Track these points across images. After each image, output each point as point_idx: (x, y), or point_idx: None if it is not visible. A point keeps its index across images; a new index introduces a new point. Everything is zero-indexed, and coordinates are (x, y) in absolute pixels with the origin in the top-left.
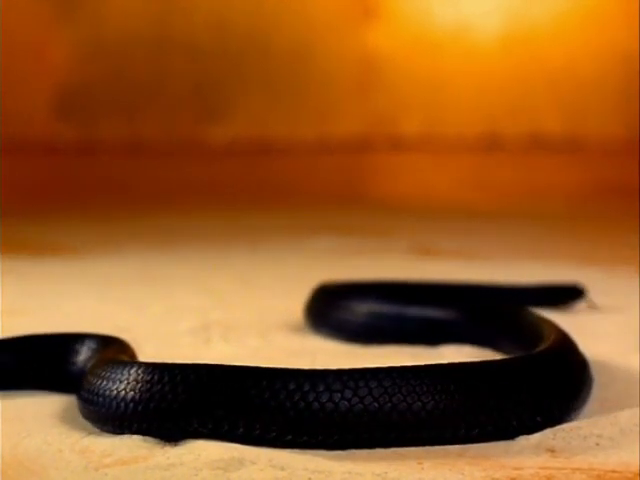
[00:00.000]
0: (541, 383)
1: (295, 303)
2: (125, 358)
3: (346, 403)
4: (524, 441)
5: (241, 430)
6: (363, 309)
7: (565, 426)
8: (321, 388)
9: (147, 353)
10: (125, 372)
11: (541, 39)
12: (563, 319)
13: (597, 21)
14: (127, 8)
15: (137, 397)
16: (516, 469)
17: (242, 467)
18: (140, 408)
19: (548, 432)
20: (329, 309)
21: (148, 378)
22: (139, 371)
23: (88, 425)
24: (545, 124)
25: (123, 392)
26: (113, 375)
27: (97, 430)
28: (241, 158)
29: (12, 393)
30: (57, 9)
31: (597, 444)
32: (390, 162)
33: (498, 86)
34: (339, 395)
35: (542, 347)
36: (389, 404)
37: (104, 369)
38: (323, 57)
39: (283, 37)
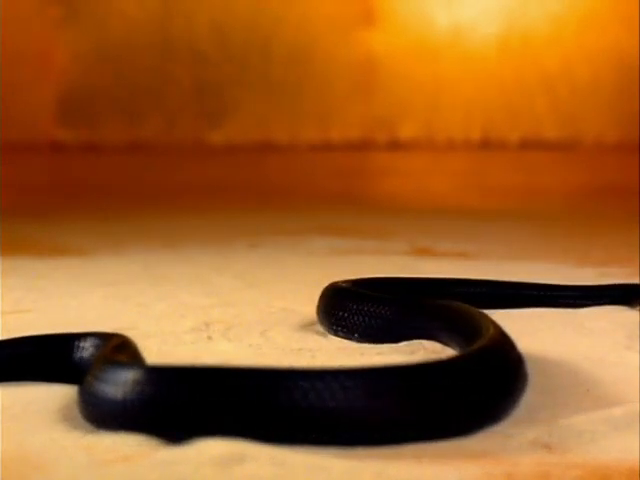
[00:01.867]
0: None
1: (295, 302)
2: (121, 358)
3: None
4: (520, 437)
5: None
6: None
7: (560, 422)
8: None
9: (150, 351)
10: (114, 374)
11: (537, 43)
12: (560, 317)
13: (592, 25)
14: (129, 14)
15: (120, 398)
16: (513, 465)
17: (243, 463)
18: (123, 408)
19: (544, 428)
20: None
21: (128, 380)
22: (122, 373)
23: None
24: (542, 126)
25: (110, 393)
26: (104, 376)
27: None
28: (242, 160)
29: (17, 391)
30: (61, 15)
31: (592, 440)
32: (389, 164)
33: (495, 89)
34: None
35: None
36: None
37: (98, 370)
38: (323, 61)
39: (283, 41)
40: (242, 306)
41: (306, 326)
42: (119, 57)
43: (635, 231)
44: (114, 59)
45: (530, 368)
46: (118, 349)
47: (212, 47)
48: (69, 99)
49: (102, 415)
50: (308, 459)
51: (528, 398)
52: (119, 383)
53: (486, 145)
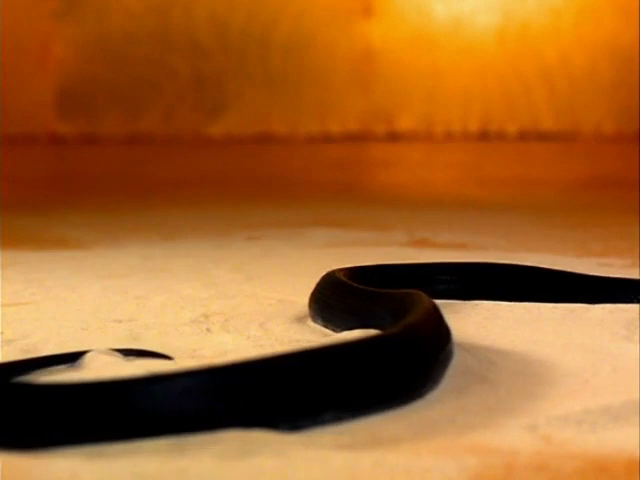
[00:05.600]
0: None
1: (294, 294)
2: None
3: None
4: (519, 428)
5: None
6: None
7: (559, 413)
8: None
9: (150, 343)
10: None
11: (536, 34)
12: (558, 308)
13: (590, 17)
14: (128, 5)
15: None
16: (511, 456)
17: (244, 455)
18: None
19: (542, 419)
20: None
21: None
22: None
23: None
24: (540, 117)
25: None
26: None
27: None
28: (240, 152)
29: None
30: (60, 7)
31: (591, 431)
32: (387, 155)
33: (493, 80)
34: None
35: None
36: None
37: None
38: (322, 52)
39: (282, 33)
40: (241, 298)
41: (305, 317)
42: (118, 49)
43: (634, 222)
44: (113, 51)
45: (529, 359)
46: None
47: (211, 39)
48: (68, 91)
49: None
50: (308, 451)
51: (526, 389)
52: None
53: (484, 136)
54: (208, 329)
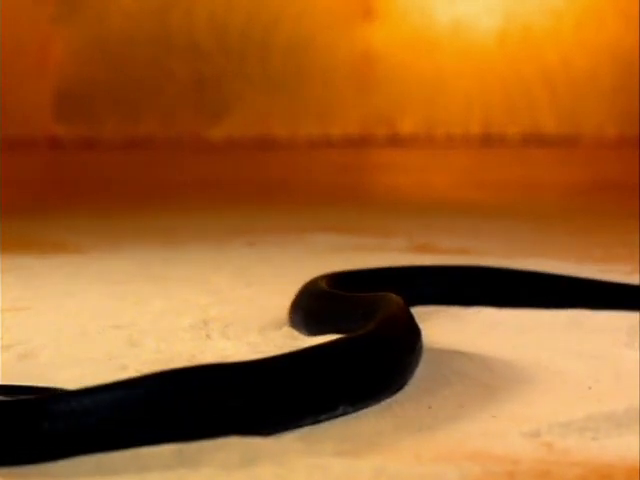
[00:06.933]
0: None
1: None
2: None
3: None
4: (521, 435)
5: None
6: None
7: (561, 420)
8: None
9: (148, 348)
10: None
11: (537, 38)
12: (559, 315)
13: (592, 20)
14: (127, 8)
15: None
16: (513, 463)
17: (243, 463)
18: None
19: (545, 426)
20: None
21: None
22: None
23: None
24: (541, 121)
25: None
26: None
27: None
28: (241, 156)
29: None
30: (58, 9)
31: (593, 438)
32: (388, 160)
33: (495, 84)
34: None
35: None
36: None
37: None
38: (322, 55)
39: (282, 35)
40: (240, 304)
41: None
42: (117, 51)
43: (635, 228)
44: (112, 53)
45: (530, 366)
46: None
47: (211, 41)
48: (67, 94)
49: None
50: (307, 458)
51: (528, 395)
52: None
53: (486, 140)
54: (207, 335)
